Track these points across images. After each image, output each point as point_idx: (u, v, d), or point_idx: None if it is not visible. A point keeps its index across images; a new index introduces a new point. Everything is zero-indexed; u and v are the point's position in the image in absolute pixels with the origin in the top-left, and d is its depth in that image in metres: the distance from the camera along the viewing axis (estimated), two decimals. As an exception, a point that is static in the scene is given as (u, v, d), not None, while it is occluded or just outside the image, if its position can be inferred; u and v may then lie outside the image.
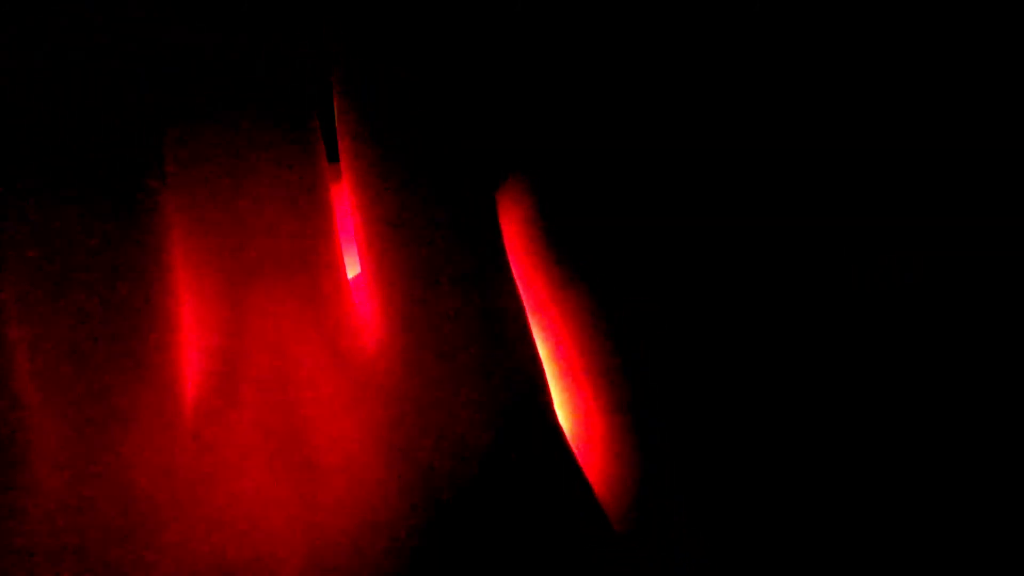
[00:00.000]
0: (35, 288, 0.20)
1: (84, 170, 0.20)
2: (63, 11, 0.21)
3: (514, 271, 0.23)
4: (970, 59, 0.33)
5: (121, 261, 0.20)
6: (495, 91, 0.32)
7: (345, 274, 0.21)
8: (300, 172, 0.21)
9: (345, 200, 0.24)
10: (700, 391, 0.31)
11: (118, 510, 0.19)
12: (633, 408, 0.22)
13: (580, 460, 0.22)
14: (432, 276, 0.20)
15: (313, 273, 0.20)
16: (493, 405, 0.20)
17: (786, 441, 0.31)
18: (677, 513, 0.21)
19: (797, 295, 0.32)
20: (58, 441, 0.19)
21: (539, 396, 0.21)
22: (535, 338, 0.23)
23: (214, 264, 0.20)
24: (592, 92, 0.33)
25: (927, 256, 0.33)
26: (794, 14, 0.33)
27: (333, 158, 0.22)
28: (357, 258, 0.24)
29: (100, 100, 0.21)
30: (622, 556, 0.20)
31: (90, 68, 0.21)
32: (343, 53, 0.22)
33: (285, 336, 0.20)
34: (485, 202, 0.22)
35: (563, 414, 0.23)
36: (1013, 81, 0.33)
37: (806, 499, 0.31)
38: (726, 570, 0.30)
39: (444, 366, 0.20)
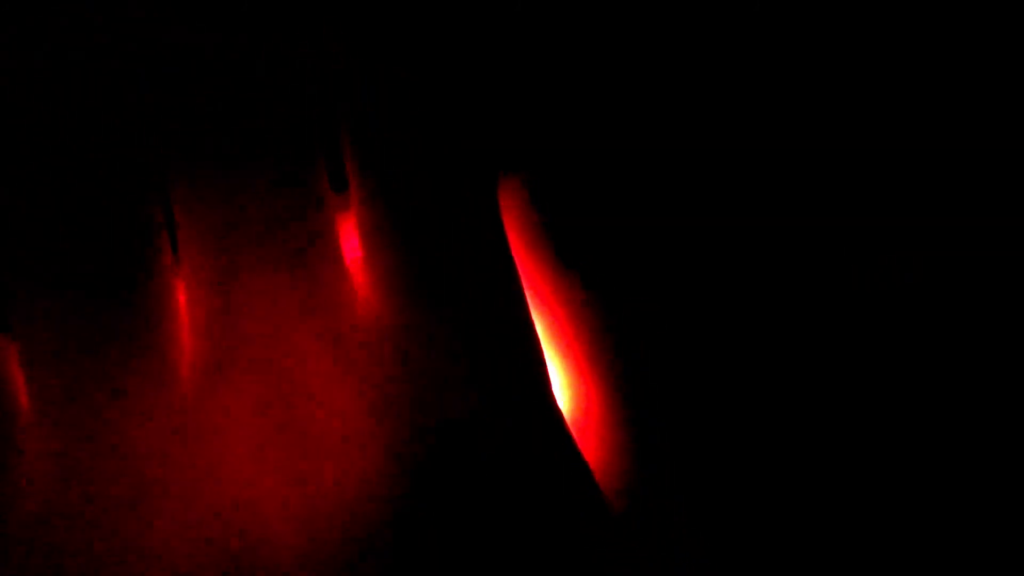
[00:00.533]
0: (30, 271, 0.20)
1: (84, 170, 0.20)
2: (63, 11, 0.21)
3: (516, 258, 0.24)
4: (970, 59, 0.33)
5: (117, 244, 0.20)
6: (494, 91, 0.32)
7: (341, 252, 0.21)
8: (297, 158, 0.21)
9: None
10: (697, 380, 0.31)
11: (115, 488, 0.19)
12: (631, 392, 0.23)
13: (578, 442, 0.22)
14: (430, 257, 0.21)
15: (308, 252, 0.20)
16: (489, 383, 0.20)
17: (784, 436, 0.31)
18: (674, 496, 0.22)
19: (797, 295, 0.32)
20: (54, 420, 0.19)
21: (536, 375, 0.21)
22: (535, 321, 0.23)
23: (210, 243, 0.20)
24: (591, 92, 0.33)
25: (927, 256, 0.33)
26: (794, 14, 0.33)
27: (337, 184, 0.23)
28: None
29: (100, 100, 0.21)
30: (618, 536, 0.20)
31: (90, 68, 0.21)
32: (343, 53, 0.22)
33: (280, 315, 0.20)
34: (486, 190, 0.22)
35: (562, 398, 0.23)
36: (1013, 81, 0.33)
37: (802, 488, 0.31)
38: (722, 553, 0.30)
39: (440, 344, 0.20)
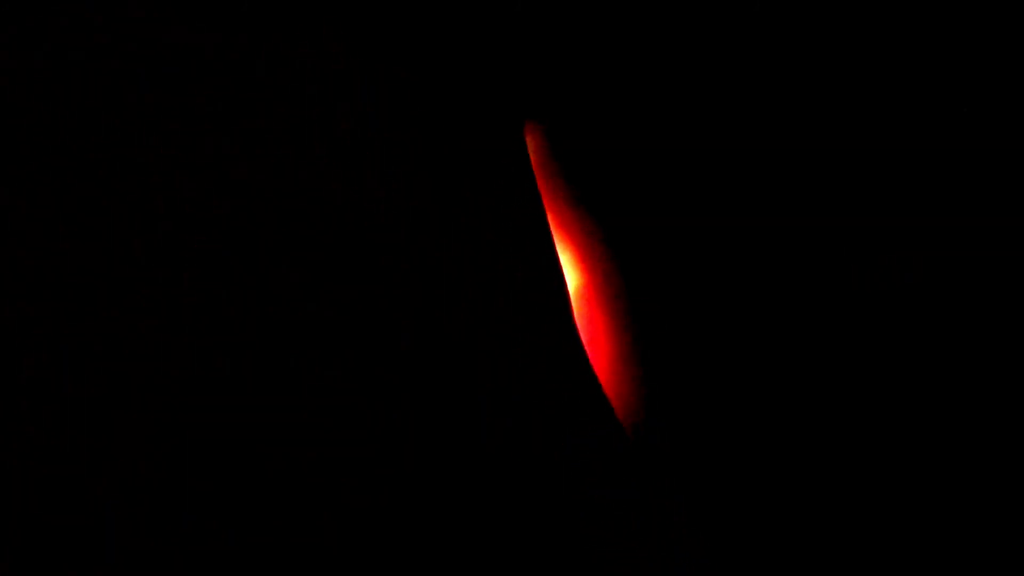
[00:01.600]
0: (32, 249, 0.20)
1: (84, 170, 0.20)
2: (63, 11, 0.21)
3: (546, 200, 0.25)
4: (970, 59, 0.33)
5: (116, 238, 0.20)
6: (494, 90, 0.32)
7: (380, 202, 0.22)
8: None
9: None
10: (697, 378, 0.31)
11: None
12: (640, 331, 0.24)
13: (591, 357, 0.24)
14: (461, 201, 0.22)
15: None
16: (519, 319, 0.21)
17: (784, 435, 0.31)
18: (674, 496, 0.23)
19: (798, 295, 0.32)
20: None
21: (562, 314, 0.22)
22: (559, 251, 0.25)
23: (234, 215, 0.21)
24: (591, 92, 0.33)
25: (927, 256, 0.33)
26: (794, 14, 0.33)
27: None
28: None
29: (100, 100, 0.21)
30: (632, 458, 0.21)
31: (90, 68, 0.21)
32: (343, 53, 0.22)
33: (303, 273, 0.21)
34: (512, 139, 0.24)
35: (579, 314, 0.25)
36: (1013, 81, 0.33)
37: (801, 487, 0.31)
38: (722, 553, 0.30)
39: (469, 279, 0.21)
